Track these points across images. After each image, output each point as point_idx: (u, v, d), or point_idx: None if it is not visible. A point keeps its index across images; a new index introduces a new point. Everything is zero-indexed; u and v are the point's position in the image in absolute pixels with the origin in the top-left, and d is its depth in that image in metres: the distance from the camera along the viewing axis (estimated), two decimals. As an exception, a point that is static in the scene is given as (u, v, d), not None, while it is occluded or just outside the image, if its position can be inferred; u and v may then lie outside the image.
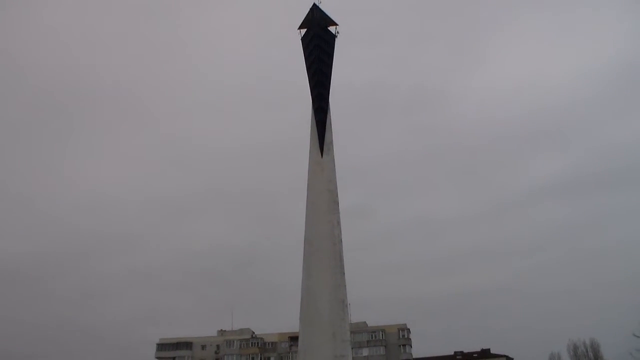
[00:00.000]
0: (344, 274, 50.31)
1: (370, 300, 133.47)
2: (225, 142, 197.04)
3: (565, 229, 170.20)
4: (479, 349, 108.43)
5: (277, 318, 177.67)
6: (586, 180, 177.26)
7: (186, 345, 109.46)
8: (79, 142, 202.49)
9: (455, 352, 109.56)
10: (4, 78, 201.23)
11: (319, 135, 54.06)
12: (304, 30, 57.06)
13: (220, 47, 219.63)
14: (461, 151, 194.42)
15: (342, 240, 51.73)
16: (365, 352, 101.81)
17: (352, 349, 53.04)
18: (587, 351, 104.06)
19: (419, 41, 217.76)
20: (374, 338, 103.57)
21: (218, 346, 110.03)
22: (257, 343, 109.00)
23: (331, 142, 54.44)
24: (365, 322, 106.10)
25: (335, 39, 56.57)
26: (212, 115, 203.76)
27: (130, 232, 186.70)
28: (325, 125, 54.33)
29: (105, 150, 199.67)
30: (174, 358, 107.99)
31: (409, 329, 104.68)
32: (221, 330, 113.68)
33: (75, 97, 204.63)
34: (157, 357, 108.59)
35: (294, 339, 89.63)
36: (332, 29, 56.86)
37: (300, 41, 56.96)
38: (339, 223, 52.05)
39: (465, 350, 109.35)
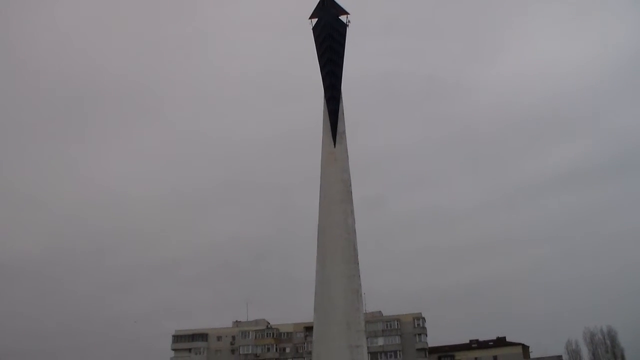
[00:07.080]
0: (358, 263, 50.25)
1: (385, 290, 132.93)
2: (238, 134, 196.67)
3: (580, 215, 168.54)
4: (494, 337, 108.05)
5: (293, 309, 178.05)
6: (601, 166, 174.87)
7: (202, 336, 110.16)
8: (90, 140, 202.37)
9: (470, 341, 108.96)
10: (12, 77, 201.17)
11: (331, 125, 53.88)
12: (314, 20, 56.92)
13: (231, 40, 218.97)
14: (476, 140, 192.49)
15: (356, 230, 51.75)
16: (380, 341, 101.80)
17: (367, 338, 53.15)
18: (604, 339, 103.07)
19: (434, 30, 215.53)
20: (389, 327, 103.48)
21: (233, 337, 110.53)
22: (273, 334, 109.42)
23: (344, 132, 54.16)
24: (380, 311, 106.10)
25: (347, 27, 56.28)
26: (225, 108, 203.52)
27: (147, 227, 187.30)
28: (337, 115, 54.12)
29: (118, 147, 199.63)
30: (189, 349, 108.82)
31: (424, 318, 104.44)
32: (237, 321, 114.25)
33: (85, 93, 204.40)
34: (173, 349, 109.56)
35: (309, 329, 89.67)
36: (343, 18, 56.54)
37: (312, 31, 56.78)
38: (352, 213, 51.92)
39: (481, 339, 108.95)
